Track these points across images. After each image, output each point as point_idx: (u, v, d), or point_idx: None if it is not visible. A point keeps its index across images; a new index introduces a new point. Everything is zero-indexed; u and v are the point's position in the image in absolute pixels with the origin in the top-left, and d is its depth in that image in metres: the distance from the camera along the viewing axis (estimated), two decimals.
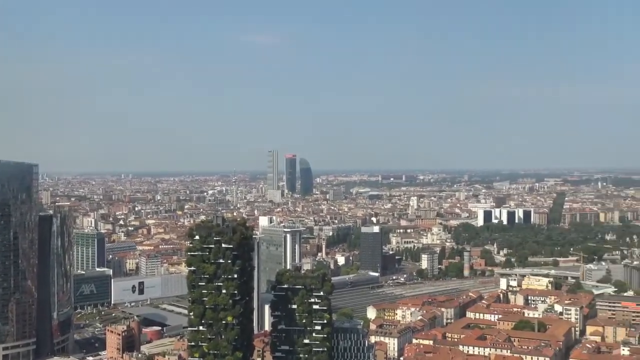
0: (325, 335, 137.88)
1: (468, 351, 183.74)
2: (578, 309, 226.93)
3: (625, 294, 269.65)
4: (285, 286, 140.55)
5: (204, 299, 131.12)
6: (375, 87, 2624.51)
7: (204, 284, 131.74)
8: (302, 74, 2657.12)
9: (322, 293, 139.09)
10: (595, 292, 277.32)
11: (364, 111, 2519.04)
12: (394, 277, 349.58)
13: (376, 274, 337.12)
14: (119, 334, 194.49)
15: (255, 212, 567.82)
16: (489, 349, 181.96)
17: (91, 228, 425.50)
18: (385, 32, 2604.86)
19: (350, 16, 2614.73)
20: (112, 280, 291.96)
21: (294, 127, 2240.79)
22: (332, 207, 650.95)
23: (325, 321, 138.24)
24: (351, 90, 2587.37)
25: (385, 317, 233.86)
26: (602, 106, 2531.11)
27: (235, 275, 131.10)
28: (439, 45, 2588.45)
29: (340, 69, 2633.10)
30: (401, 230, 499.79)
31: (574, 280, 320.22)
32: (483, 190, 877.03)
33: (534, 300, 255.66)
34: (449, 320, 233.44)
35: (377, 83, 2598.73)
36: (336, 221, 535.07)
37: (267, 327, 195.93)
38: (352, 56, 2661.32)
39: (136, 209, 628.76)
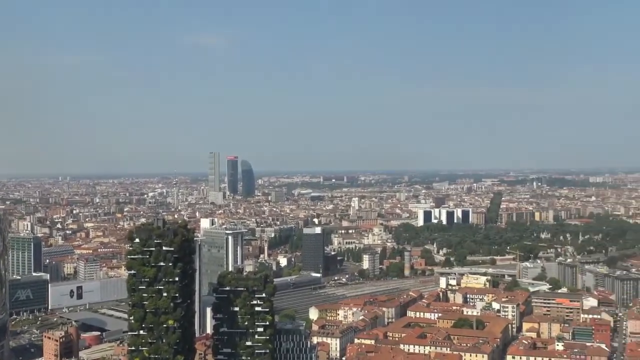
0: (267, 337, 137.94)
1: (409, 350, 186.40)
2: (515, 306, 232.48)
3: (559, 291, 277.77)
4: (227, 288, 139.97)
5: (145, 302, 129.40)
6: (316, 88, 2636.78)
7: (144, 287, 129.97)
8: (244, 75, 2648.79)
9: (264, 295, 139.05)
10: (531, 289, 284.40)
11: (305, 113, 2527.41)
12: (336, 278, 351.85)
13: (318, 275, 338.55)
14: (57, 340, 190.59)
15: (197, 214, 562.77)
16: (429, 347, 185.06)
17: (27, 232, 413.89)
18: (327, 35, 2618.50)
19: (295, 17, 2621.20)
20: (49, 285, 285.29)
21: (236, 129, 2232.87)
22: (274, 209, 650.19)
23: (267, 323, 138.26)
24: (293, 91, 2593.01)
25: (328, 317, 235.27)
26: (537, 108, 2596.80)
27: (177, 279, 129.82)
28: (375, 44, 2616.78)
29: (282, 71, 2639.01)
30: (343, 231, 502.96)
31: (510, 278, 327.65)
32: (423, 191, 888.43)
33: (472, 299, 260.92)
34: (390, 320, 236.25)
35: (317, 84, 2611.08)
36: (278, 222, 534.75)
37: (209, 330, 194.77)
38: (294, 58, 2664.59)
39: (74, 212, 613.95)
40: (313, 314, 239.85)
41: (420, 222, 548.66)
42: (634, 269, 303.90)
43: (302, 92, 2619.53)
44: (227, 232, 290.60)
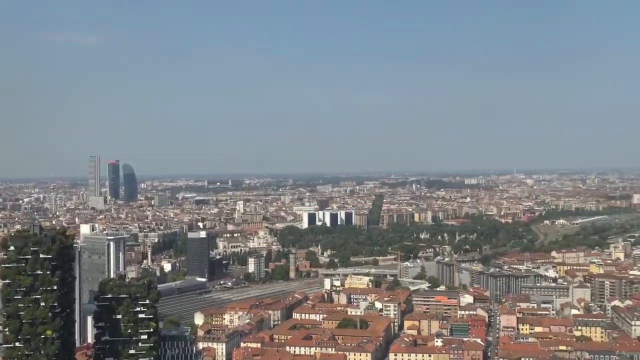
0: (151, 345, 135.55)
1: (295, 351, 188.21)
2: (396, 305, 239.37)
3: (438, 289, 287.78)
4: (109, 296, 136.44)
5: (21, 313, 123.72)
6: (199, 89, 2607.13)
7: (20, 297, 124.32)
8: (125, 76, 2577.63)
9: (147, 301, 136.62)
10: (412, 288, 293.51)
11: (189, 115, 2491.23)
12: (222, 282, 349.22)
13: (204, 280, 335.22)
14: None
15: (76, 219, 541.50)
16: (314, 348, 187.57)
17: None
18: (212, 36, 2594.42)
19: (170, 15, 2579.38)
20: None
21: (117, 132, 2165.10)
22: (158, 213, 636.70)
23: (151, 330, 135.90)
24: (176, 94, 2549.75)
25: (213, 322, 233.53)
26: (415, 113, 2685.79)
27: (55, 287, 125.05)
28: (257, 46, 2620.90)
29: (165, 73, 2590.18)
30: (228, 235, 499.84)
31: (392, 278, 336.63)
32: (307, 194, 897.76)
33: (356, 299, 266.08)
34: (276, 322, 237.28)
35: (202, 86, 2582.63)
36: (162, 227, 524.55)
37: (90, 339, 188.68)
38: (174, 58, 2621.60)
39: None
40: (198, 319, 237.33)
41: (305, 224, 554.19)
42: (505, 266, 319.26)
43: (187, 93, 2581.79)
44: (109, 237, 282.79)
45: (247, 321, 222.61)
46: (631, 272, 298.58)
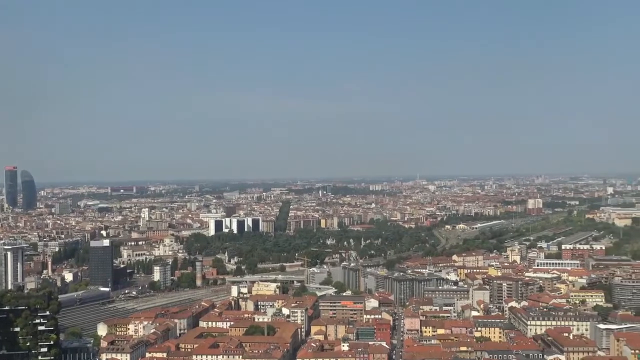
0: (52, 358, 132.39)
1: None
2: (303, 310, 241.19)
3: (344, 294, 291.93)
4: (7, 308, 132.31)
5: None
6: (101, 96, 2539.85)
7: None
8: (23, 81, 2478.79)
9: (47, 313, 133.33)
10: (319, 293, 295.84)
11: (90, 121, 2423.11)
12: (126, 291, 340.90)
13: (107, 289, 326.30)
14: None
15: None
16: (221, 356, 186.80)
17: None
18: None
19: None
20: None
21: (15, 138, 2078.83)
22: (59, 221, 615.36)
23: (52, 342, 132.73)
24: (76, 100, 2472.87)
25: (117, 332, 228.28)
26: (320, 119, 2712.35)
27: None
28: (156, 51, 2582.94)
29: (64, 79, 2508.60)
30: (133, 243, 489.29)
31: (299, 284, 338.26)
32: (214, 201, 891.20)
33: (263, 305, 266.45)
34: (182, 331, 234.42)
35: (102, 93, 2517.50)
36: (63, 236, 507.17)
37: None
38: (77, 63, 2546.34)
39: None
40: (102, 329, 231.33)
41: (212, 231, 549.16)
42: (409, 271, 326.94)
43: (91, 99, 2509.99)
44: (6, 247, 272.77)
45: (152, 331, 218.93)
46: (527, 274, 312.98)
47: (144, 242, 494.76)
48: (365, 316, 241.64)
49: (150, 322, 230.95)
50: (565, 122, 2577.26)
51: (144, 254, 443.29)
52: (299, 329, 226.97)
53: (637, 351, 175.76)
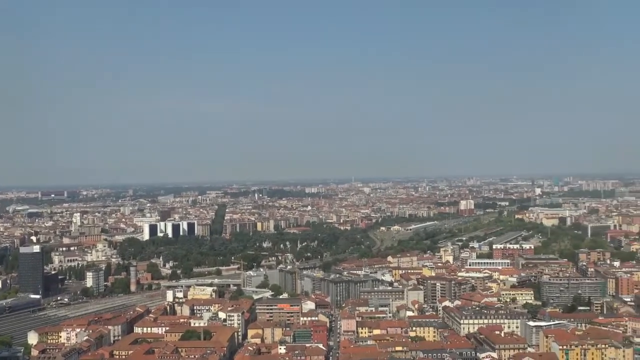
0: None
1: None
2: (240, 314, 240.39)
3: (281, 297, 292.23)
4: None
5: None
6: (29, 99, 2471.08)
7: None
8: None
9: None
10: (255, 297, 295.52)
11: (16, 125, 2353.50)
12: (58, 298, 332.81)
13: (37, 296, 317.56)
14: None
15: None
16: None
17: None
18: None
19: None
20: None
21: None
22: None
23: None
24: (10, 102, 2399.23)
25: (49, 341, 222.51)
26: (257, 122, 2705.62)
27: None
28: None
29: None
30: (64, 249, 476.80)
31: (235, 288, 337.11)
32: (148, 205, 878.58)
33: (199, 310, 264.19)
34: (116, 338, 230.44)
35: (31, 97, 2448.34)
36: None
37: None
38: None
39: None
40: (32, 338, 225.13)
41: (146, 236, 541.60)
42: (345, 272, 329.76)
43: (18, 102, 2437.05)
44: None
45: (85, 338, 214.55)
46: (459, 274, 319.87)
47: (75, 248, 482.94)
48: (302, 318, 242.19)
49: (83, 329, 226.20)
50: (494, 125, 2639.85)
51: (76, 259, 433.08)
52: (235, 333, 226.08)
53: (564, 347, 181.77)
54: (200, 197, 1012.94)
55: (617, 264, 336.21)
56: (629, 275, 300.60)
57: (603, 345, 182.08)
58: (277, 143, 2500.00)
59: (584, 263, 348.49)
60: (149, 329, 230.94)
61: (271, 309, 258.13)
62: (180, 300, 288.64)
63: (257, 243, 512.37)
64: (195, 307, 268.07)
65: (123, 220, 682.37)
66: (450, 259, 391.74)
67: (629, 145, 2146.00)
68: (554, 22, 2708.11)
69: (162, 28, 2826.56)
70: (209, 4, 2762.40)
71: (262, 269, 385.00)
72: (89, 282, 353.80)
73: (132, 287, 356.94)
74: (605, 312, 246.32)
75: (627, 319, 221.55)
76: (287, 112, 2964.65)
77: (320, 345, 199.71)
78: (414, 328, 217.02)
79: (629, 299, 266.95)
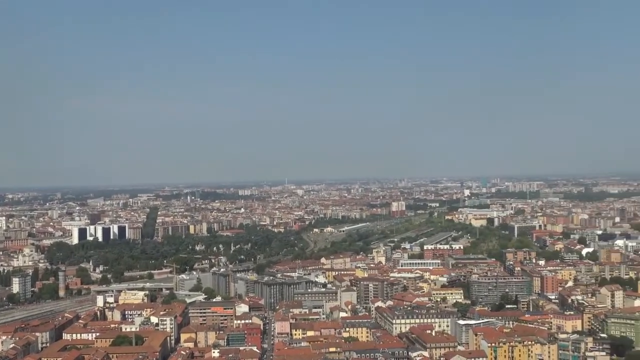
0: None
1: None
2: (172, 318, 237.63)
3: (214, 300, 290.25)
4: None
5: None
6: None
7: None
8: None
9: None
10: (188, 300, 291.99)
11: None
12: None
13: None
14: None
15: None
16: None
17: None
18: None
19: None
20: None
21: None
22: None
23: None
24: None
25: None
26: (192, 125, 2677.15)
27: None
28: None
29: None
30: None
31: (168, 291, 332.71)
32: (77, 208, 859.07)
33: (131, 315, 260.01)
34: (45, 345, 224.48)
35: None
36: None
37: None
38: None
39: None
40: None
41: (75, 240, 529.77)
42: (279, 274, 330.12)
43: None
44: None
45: (11, 346, 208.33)
46: (391, 275, 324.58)
47: (1, 253, 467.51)
48: (235, 321, 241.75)
49: (9, 336, 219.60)
50: (426, 128, 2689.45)
51: (1, 265, 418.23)
52: (168, 337, 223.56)
53: (493, 344, 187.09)
54: (131, 199, 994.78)
55: (542, 262, 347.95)
56: (553, 273, 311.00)
57: (529, 342, 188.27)
58: (210, 145, 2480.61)
59: (511, 262, 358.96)
60: (78, 335, 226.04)
61: (204, 313, 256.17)
62: (111, 305, 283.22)
63: (189, 246, 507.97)
64: (126, 312, 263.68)
65: (51, 224, 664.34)
66: (383, 259, 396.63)
67: (553, 148, 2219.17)
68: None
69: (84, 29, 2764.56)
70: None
71: (195, 272, 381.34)
72: (15, 288, 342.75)
73: (61, 293, 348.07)
74: (531, 310, 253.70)
75: (552, 316, 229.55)
76: (219, 113, 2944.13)
77: (254, 348, 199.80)
78: (347, 329, 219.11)
79: (553, 297, 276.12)
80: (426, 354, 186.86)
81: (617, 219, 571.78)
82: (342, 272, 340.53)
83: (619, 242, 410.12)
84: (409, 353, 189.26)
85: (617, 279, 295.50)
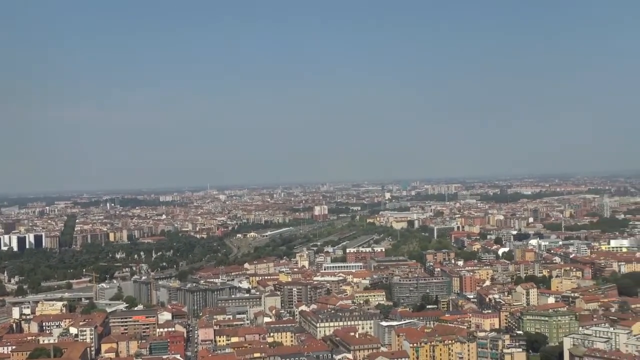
0: None
1: None
2: (92, 328, 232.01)
3: (136, 309, 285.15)
4: None
5: None
6: None
7: None
8: None
9: None
10: (109, 309, 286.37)
11: None
12: None
13: None
14: None
15: None
16: None
17: None
18: None
19: None
20: None
21: None
22: None
23: None
24: None
25: None
26: (110, 130, 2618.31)
27: None
28: None
29: None
30: None
31: (88, 301, 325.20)
32: None
33: (49, 326, 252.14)
34: None
35: None
36: None
37: None
38: None
39: None
40: None
41: None
42: (202, 281, 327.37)
43: None
44: None
45: None
46: (315, 278, 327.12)
47: None
48: (158, 330, 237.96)
49: None
50: (343, 130, 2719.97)
51: None
52: (88, 348, 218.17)
53: (415, 345, 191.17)
54: (48, 207, 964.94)
55: (460, 263, 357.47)
56: (471, 273, 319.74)
57: (450, 341, 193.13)
58: (130, 151, 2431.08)
59: (431, 263, 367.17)
60: None
61: (126, 322, 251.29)
62: (28, 317, 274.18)
63: (109, 254, 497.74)
64: (44, 324, 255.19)
65: None
66: (306, 263, 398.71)
67: (470, 152, 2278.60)
68: None
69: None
70: None
71: (115, 281, 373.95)
72: None
73: None
74: (451, 310, 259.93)
75: (470, 315, 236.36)
76: (136, 119, 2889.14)
77: (178, 356, 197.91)
78: (271, 334, 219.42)
79: (472, 296, 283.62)
80: (350, 356, 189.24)
81: (531, 219, 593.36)
82: (266, 277, 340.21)
83: (533, 242, 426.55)
84: (333, 356, 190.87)
85: (531, 277, 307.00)
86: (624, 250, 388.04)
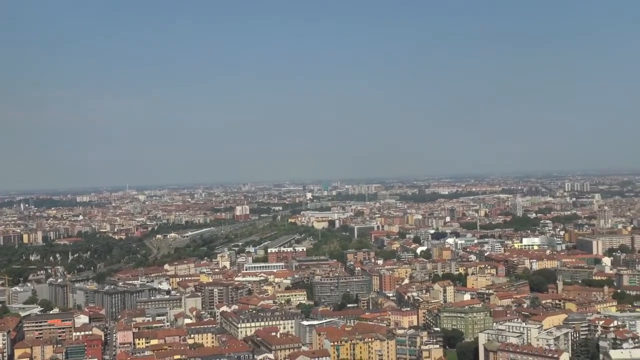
0: None
1: None
2: (5, 333, 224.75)
3: (51, 312, 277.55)
4: None
5: None
6: None
7: None
8: None
9: None
10: (22, 314, 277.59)
11: None
12: None
13: None
14: None
15: None
16: None
17: None
18: None
19: None
20: None
21: None
22: None
23: None
24: None
25: None
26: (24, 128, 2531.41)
27: None
28: None
29: None
30: None
31: (0, 305, 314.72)
32: None
33: None
34: None
35: None
36: None
37: None
38: None
39: None
40: None
41: None
42: (120, 283, 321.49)
43: None
44: None
45: None
46: (236, 279, 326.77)
47: None
48: (74, 334, 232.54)
49: None
50: (269, 131, 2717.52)
51: None
52: (0, 354, 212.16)
53: (335, 343, 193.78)
54: None
55: (380, 262, 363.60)
56: (390, 272, 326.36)
57: (370, 339, 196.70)
58: (45, 151, 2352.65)
59: (352, 262, 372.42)
60: None
61: (40, 326, 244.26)
62: None
63: (23, 256, 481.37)
64: None
65: None
66: (227, 264, 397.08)
67: (387, 154, 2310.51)
68: None
69: None
70: None
71: (29, 284, 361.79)
72: None
73: None
74: (371, 308, 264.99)
75: (390, 313, 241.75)
76: (49, 116, 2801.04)
77: None
78: (192, 335, 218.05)
79: (391, 294, 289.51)
80: (271, 356, 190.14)
81: (448, 219, 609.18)
82: (186, 278, 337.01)
83: (450, 241, 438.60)
84: (255, 356, 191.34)
85: (448, 275, 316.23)
86: (535, 248, 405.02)
